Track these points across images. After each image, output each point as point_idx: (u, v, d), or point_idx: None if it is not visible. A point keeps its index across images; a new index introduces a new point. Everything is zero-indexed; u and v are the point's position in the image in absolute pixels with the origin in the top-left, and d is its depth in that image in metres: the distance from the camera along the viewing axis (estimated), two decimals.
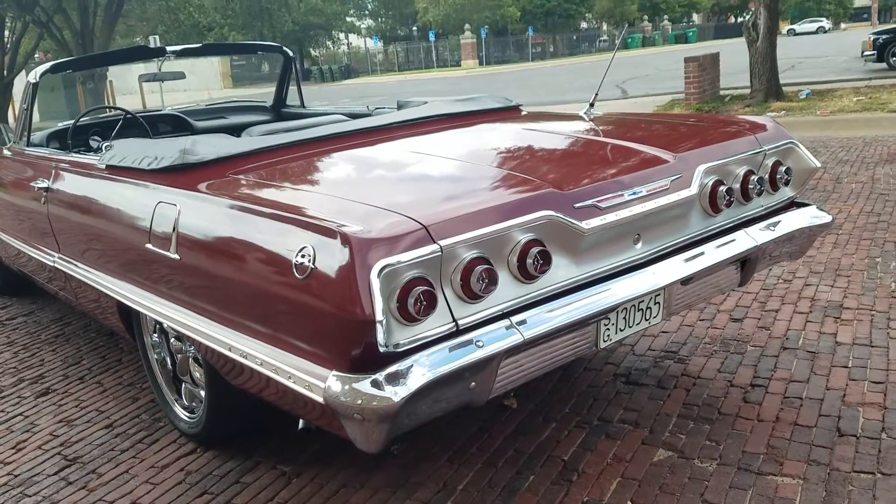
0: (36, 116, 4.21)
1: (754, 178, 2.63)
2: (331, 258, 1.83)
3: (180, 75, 4.81)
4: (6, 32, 21.91)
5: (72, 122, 4.25)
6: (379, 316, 1.76)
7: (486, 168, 2.48)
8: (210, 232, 2.31)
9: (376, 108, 4.32)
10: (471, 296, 1.95)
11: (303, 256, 1.89)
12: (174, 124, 4.71)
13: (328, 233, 1.86)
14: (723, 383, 3.00)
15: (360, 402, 1.80)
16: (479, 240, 1.95)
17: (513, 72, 36.40)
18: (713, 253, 2.51)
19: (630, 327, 2.41)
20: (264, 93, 4.97)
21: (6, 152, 4.15)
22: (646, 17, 58.62)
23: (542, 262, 2.04)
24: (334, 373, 1.85)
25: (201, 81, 39.59)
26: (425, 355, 1.87)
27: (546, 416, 2.85)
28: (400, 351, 1.85)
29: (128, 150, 2.95)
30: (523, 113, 3.57)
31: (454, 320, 1.94)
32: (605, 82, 3.76)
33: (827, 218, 2.89)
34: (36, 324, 4.53)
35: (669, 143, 2.64)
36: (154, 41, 4.67)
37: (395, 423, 1.86)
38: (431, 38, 48.59)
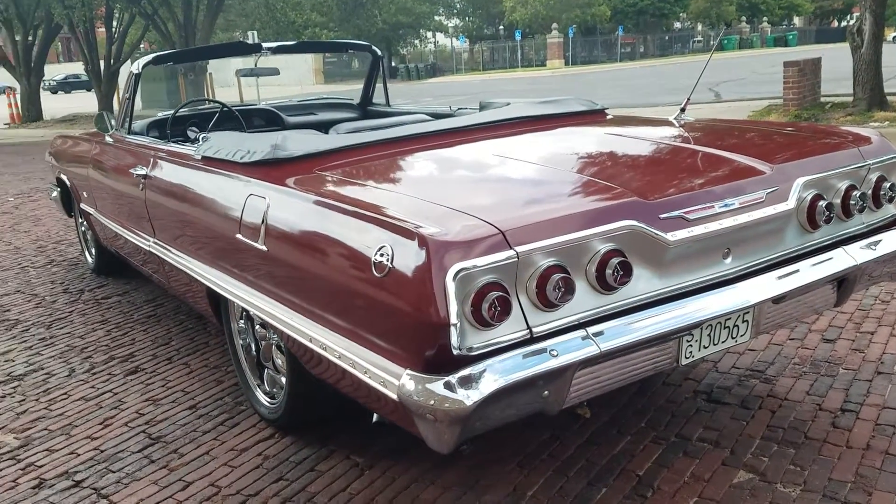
0: (138, 105, 4.38)
1: (856, 193, 2.52)
2: (408, 258, 1.84)
3: (275, 71, 4.94)
4: (114, 23, 22.96)
5: (171, 112, 4.41)
6: (453, 319, 1.77)
7: (568, 173, 2.44)
8: (296, 226, 2.36)
9: (459, 109, 4.33)
10: (546, 304, 1.92)
11: (381, 255, 1.91)
12: (267, 119, 4.84)
13: (407, 233, 1.87)
14: (811, 406, 2.88)
15: (432, 402, 1.80)
16: (557, 247, 1.93)
17: (599, 72, 35.92)
18: (808, 271, 2.41)
19: (715, 345, 2.34)
20: (353, 89, 5.07)
21: (108, 139, 4.34)
22: (744, 18, 56.86)
23: (622, 273, 2.00)
24: (408, 371, 1.86)
25: (295, 77, 40.60)
26: (498, 361, 1.86)
27: (620, 429, 2.80)
28: (473, 355, 1.85)
29: (223, 143, 3.04)
30: (609, 117, 3.51)
31: (528, 327, 1.93)
32: (698, 85, 3.66)
33: None
34: (130, 304, 4.73)
35: (766, 153, 2.55)
36: (252, 37, 4.82)
37: (467, 426, 1.85)
38: (517, 37, 48.39)
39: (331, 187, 2.43)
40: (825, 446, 2.61)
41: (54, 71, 50.73)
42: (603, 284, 2.01)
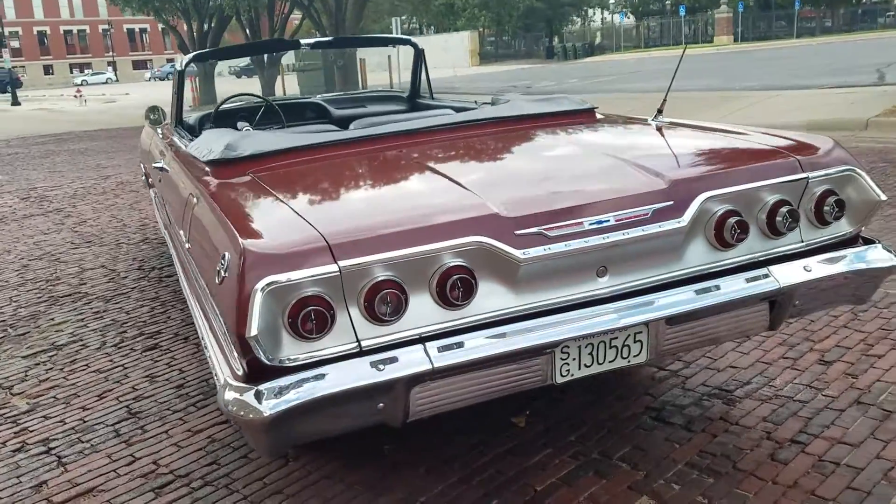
0: (215, 95, 4.70)
1: (785, 209, 2.31)
2: (233, 269, 1.92)
3: (317, 66, 5.11)
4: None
5: (233, 106, 4.70)
6: (252, 332, 1.81)
7: (448, 182, 2.36)
8: (199, 227, 2.50)
9: (483, 104, 4.31)
10: (376, 318, 1.94)
11: (222, 264, 2.00)
12: (318, 112, 5.03)
13: (235, 243, 1.95)
14: (759, 434, 2.68)
15: (241, 413, 1.88)
16: (390, 261, 1.93)
17: (768, 49, 33.55)
18: (709, 293, 2.24)
19: (600, 364, 2.25)
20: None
21: (159, 132, 4.70)
22: None
23: (462, 289, 1.97)
24: (227, 379, 1.95)
25: (451, 59, 41.20)
26: (314, 374, 1.90)
27: (548, 441, 2.74)
28: (291, 366, 1.90)
29: (205, 140, 3.22)
30: (599, 117, 3.36)
31: (357, 341, 1.95)
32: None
33: (891, 260, 2.46)
34: None
35: (680, 164, 2.39)
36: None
37: (278, 436, 1.92)
38: (682, 12, 46.21)
39: (236, 190, 2.54)
40: (748, 479, 2.43)
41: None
42: (445, 300, 2.00)
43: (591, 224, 2.11)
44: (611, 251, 2.14)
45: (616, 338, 2.22)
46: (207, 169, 2.86)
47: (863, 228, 2.50)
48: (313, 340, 1.90)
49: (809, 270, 2.36)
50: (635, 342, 2.25)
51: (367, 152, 2.88)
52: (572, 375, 2.22)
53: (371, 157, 2.83)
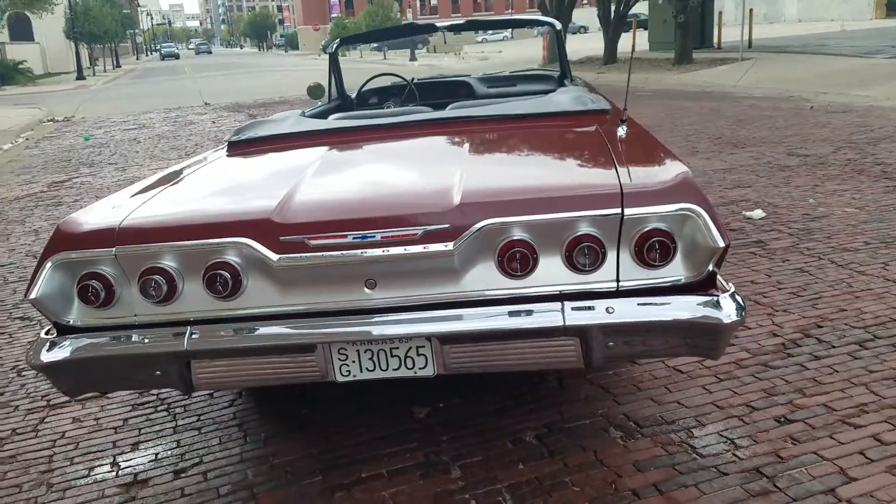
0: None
1: (584, 245, 2.11)
2: None
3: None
4: None
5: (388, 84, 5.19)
6: (32, 295, 2.27)
7: (287, 183, 2.51)
8: None
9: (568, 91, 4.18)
10: (150, 299, 2.28)
11: None
12: (467, 91, 5.23)
13: None
14: (608, 476, 2.47)
15: (32, 356, 2.35)
16: (165, 250, 2.26)
17: None
18: (475, 319, 2.19)
19: (384, 371, 2.33)
20: None
21: (319, 104, 5.35)
22: None
23: (223, 283, 2.23)
24: (44, 331, 2.44)
25: (851, 10, 36.30)
26: (93, 338, 2.32)
27: (421, 437, 2.82)
28: (82, 327, 2.33)
29: (256, 121, 3.76)
30: (604, 119, 3.10)
31: (135, 315, 2.33)
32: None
33: (727, 316, 2.09)
34: None
35: (490, 186, 2.29)
36: None
37: (66, 381, 2.39)
38: None
39: (182, 171, 3.02)
40: None
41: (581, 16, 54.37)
42: (213, 291, 2.26)
43: (355, 238, 2.17)
44: (375, 266, 2.20)
45: (397, 348, 2.29)
46: (225, 149, 3.39)
47: (709, 272, 2.14)
48: (100, 309, 2.32)
49: (611, 313, 2.14)
50: (419, 355, 2.29)
51: (322, 143, 3.13)
52: (354, 377, 2.33)
53: (305, 149, 3.10)
